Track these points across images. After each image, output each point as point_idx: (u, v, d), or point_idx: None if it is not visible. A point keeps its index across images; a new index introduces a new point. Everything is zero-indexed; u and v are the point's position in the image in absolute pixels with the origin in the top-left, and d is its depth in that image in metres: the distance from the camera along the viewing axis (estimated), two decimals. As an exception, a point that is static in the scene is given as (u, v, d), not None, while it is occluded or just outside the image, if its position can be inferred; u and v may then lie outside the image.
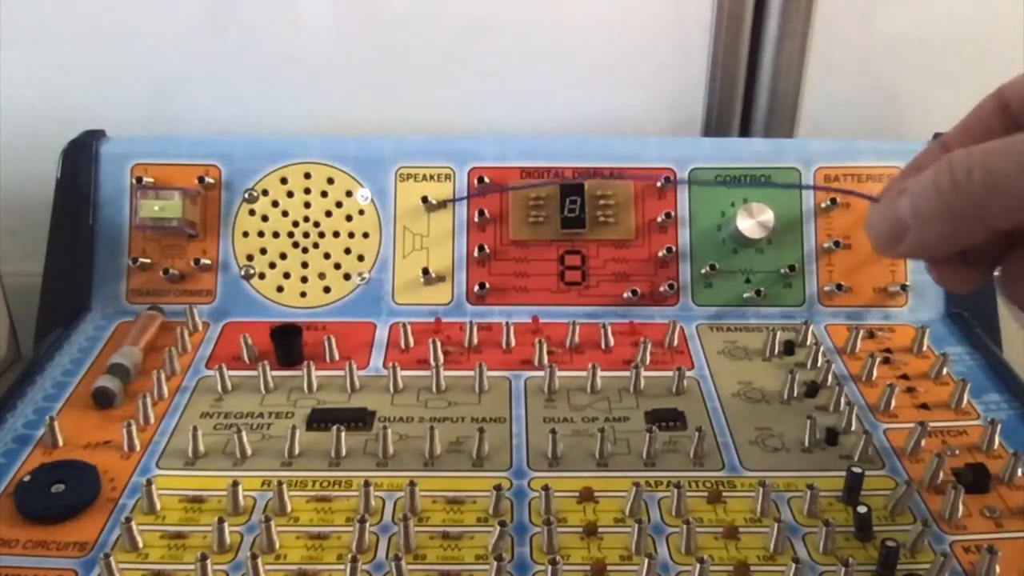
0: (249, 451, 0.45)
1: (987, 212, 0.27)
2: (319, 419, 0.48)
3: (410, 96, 0.69)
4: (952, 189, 0.28)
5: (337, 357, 0.53)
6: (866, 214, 0.31)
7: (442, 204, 0.58)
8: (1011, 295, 0.33)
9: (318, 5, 0.66)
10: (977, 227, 0.28)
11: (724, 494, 0.43)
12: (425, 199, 0.58)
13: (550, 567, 0.37)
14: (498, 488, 0.42)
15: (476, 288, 0.57)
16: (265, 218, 0.58)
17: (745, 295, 0.58)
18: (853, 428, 0.48)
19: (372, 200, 0.58)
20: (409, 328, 0.55)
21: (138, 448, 0.46)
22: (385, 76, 0.68)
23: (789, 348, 0.54)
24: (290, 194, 0.58)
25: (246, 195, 0.58)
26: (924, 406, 0.49)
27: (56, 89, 0.68)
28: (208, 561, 0.37)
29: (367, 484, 0.42)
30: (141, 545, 0.40)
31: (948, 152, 0.29)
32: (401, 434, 0.47)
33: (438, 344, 0.53)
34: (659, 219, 0.58)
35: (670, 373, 0.51)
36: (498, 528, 0.39)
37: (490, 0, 0.66)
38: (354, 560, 0.38)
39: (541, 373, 0.51)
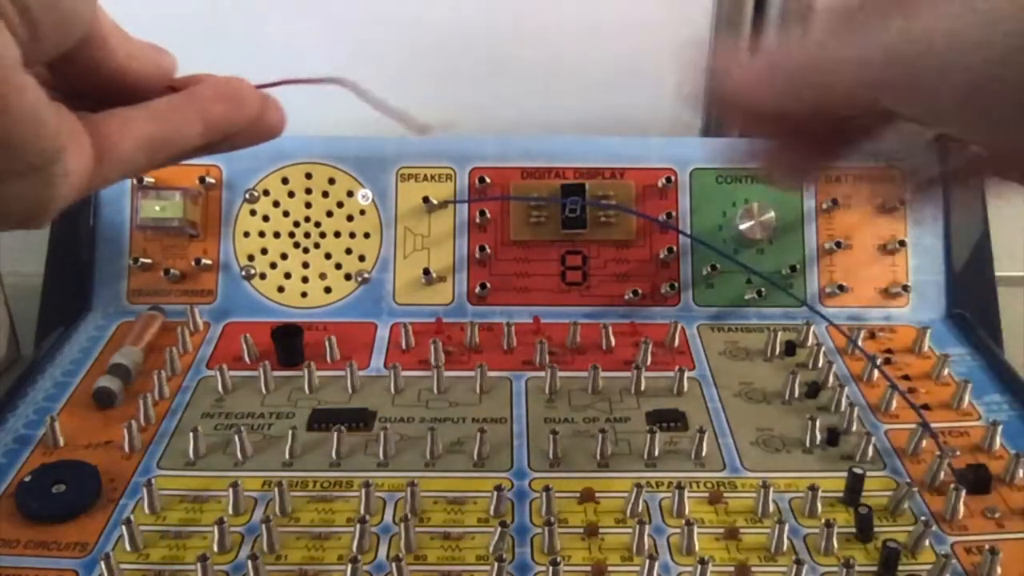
0: (250, 451, 0.45)
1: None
2: (320, 419, 0.48)
3: (411, 96, 0.68)
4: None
5: (338, 357, 0.53)
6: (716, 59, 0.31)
7: (443, 204, 0.58)
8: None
9: (320, 6, 0.66)
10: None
11: (725, 495, 0.43)
12: (426, 199, 0.58)
13: (551, 568, 0.37)
14: (499, 489, 0.42)
15: (477, 288, 0.57)
16: (266, 218, 0.58)
17: (746, 296, 0.58)
18: (854, 429, 0.47)
19: (373, 200, 0.58)
20: (410, 328, 0.55)
21: (139, 448, 0.46)
22: (386, 77, 0.68)
23: (790, 349, 0.54)
24: (291, 194, 0.58)
25: (247, 195, 0.58)
26: (925, 407, 0.49)
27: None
28: (209, 561, 0.37)
29: (368, 484, 0.42)
30: (142, 545, 0.40)
31: None
32: (402, 434, 0.47)
33: (439, 344, 0.53)
34: (660, 219, 0.58)
35: (671, 374, 0.51)
36: (499, 529, 0.39)
37: (491, 1, 0.66)
38: (355, 560, 0.38)
39: (542, 373, 0.51)
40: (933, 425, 0.47)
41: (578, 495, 0.43)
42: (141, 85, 0.28)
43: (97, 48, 0.26)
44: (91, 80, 0.27)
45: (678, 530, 0.40)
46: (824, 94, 0.27)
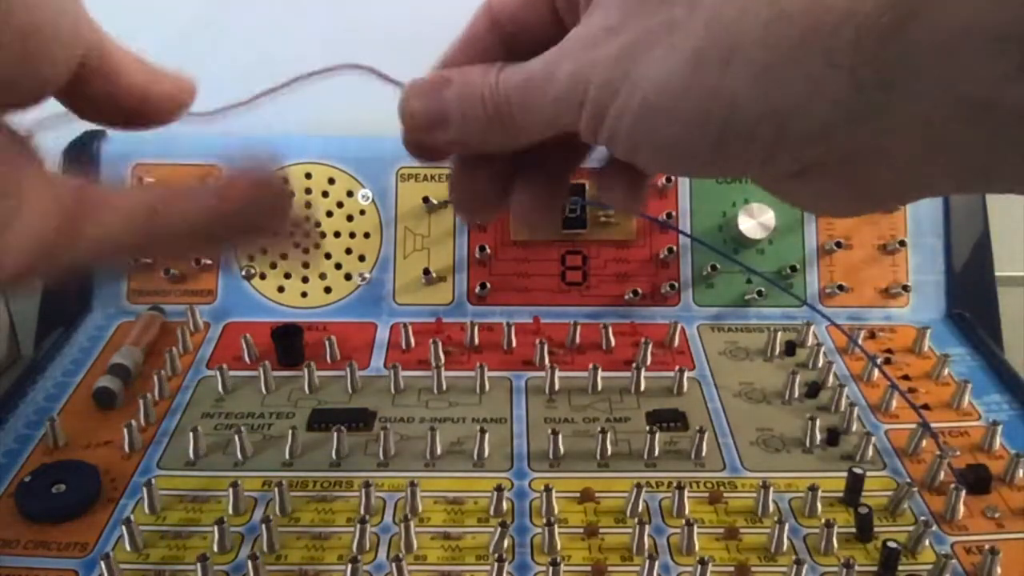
0: (250, 451, 0.45)
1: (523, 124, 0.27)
2: (320, 419, 0.48)
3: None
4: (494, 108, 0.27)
5: (338, 357, 0.53)
6: (403, 92, 0.30)
7: (443, 204, 0.58)
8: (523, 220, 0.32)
9: (320, 5, 0.66)
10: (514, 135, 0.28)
11: (725, 495, 0.43)
12: (426, 199, 0.58)
13: (551, 568, 0.37)
14: (499, 489, 0.42)
15: (477, 288, 0.57)
16: (266, 218, 0.58)
17: (746, 296, 0.58)
18: (854, 428, 0.47)
19: (373, 200, 0.58)
20: (410, 328, 0.55)
21: (139, 448, 0.46)
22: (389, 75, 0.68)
23: (790, 348, 0.54)
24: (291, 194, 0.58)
25: (247, 195, 0.58)
26: (925, 407, 0.49)
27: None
28: (209, 561, 0.37)
29: (368, 484, 0.42)
30: (142, 545, 0.40)
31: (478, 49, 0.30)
32: (402, 434, 0.47)
33: (439, 344, 0.53)
34: (660, 219, 0.58)
35: (671, 373, 0.51)
36: (499, 529, 0.39)
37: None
38: (355, 561, 0.38)
39: (542, 373, 0.51)
40: (933, 425, 0.47)
41: (578, 495, 0.43)
42: (163, 109, 0.27)
43: (110, 77, 0.26)
44: (110, 106, 0.26)
45: (678, 530, 0.40)
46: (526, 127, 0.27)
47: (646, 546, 0.40)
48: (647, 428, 0.46)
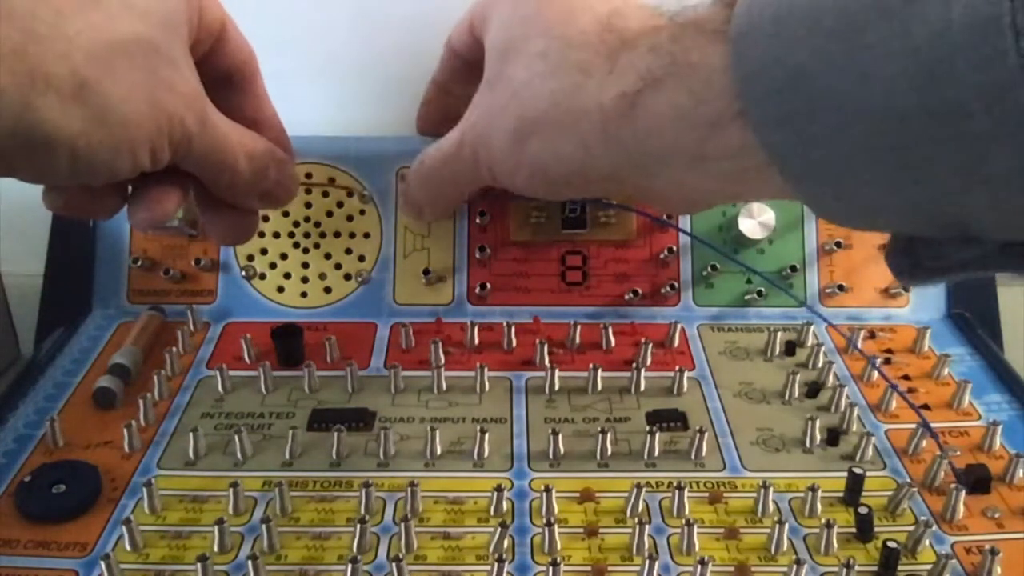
0: (250, 451, 0.45)
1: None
2: (320, 419, 0.48)
3: (412, 96, 0.68)
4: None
5: (338, 357, 0.53)
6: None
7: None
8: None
9: (320, 5, 0.66)
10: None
11: (725, 495, 0.43)
12: (426, 199, 0.58)
13: (551, 568, 0.37)
14: (499, 489, 0.42)
15: (477, 288, 0.57)
16: (266, 218, 0.58)
17: (746, 296, 0.58)
18: (854, 429, 0.48)
19: (373, 200, 0.58)
20: (410, 328, 0.55)
21: (139, 448, 0.46)
22: (387, 75, 0.68)
23: (790, 348, 0.54)
24: (291, 194, 0.58)
25: (247, 195, 0.58)
26: (925, 406, 0.49)
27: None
28: (209, 561, 0.37)
29: (368, 485, 0.42)
30: (142, 545, 0.40)
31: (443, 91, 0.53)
32: (402, 434, 0.47)
33: (439, 344, 0.53)
34: (660, 219, 0.58)
35: (671, 373, 0.51)
36: (499, 529, 0.39)
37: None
38: (355, 560, 0.38)
39: (542, 373, 0.51)
40: (933, 425, 0.47)
41: (578, 495, 0.43)
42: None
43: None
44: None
45: (678, 530, 0.40)
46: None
47: (646, 546, 0.40)
48: (647, 428, 0.46)
